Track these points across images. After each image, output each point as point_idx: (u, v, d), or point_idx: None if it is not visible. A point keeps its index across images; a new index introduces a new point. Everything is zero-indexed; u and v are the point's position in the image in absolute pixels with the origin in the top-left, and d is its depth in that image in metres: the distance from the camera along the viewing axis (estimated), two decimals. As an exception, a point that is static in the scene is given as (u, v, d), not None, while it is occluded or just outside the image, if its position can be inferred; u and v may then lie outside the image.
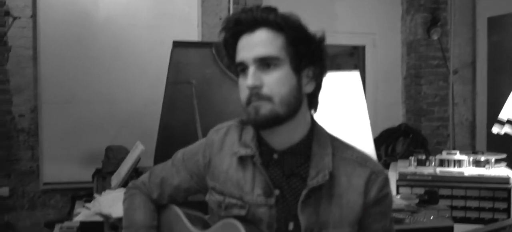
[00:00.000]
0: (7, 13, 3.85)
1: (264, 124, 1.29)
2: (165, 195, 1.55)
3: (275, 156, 1.35)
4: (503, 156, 3.23)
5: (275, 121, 1.28)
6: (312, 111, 1.39)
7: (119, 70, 4.20)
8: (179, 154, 1.54)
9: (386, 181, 1.35)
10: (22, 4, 3.92)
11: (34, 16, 3.97)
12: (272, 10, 1.30)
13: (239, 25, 1.31)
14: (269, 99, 1.27)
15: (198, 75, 2.78)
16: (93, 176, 3.33)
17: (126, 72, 4.21)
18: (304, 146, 1.34)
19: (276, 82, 1.27)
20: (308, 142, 1.34)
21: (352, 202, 1.31)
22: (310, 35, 1.31)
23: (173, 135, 2.87)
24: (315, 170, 1.31)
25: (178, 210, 1.53)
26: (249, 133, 1.39)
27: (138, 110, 4.12)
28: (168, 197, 1.55)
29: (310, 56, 1.31)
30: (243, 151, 1.37)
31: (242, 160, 1.38)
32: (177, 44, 2.95)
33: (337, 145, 1.37)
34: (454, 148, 4.70)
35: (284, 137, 1.33)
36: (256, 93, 1.27)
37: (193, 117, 2.82)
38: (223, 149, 1.43)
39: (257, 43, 1.28)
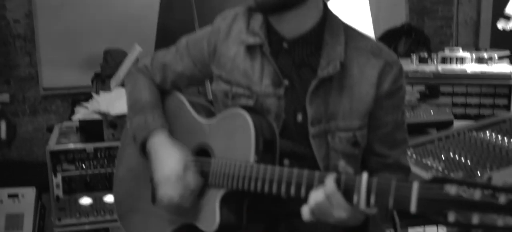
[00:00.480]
0: None
1: (272, 7, 1.24)
2: (168, 81, 1.51)
3: (285, 45, 1.31)
4: (507, 52, 3.19)
5: (284, 3, 1.24)
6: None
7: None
8: (183, 40, 1.50)
9: (400, 73, 1.30)
10: None
11: None
12: None
13: None
14: None
15: None
16: (92, 81, 3.32)
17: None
18: (315, 35, 1.29)
19: None
20: (320, 30, 1.29)
21: (363, 93, 1.27)
22: None
23: (170, 36, 2.79)
24: (326, 60, 1.27)
25: (181, 97, 1.51)
26: (257, 20, 1.34)
27: (135, 13, 4.02)
28: (170, 83, 1.52)
29: None
30: (251, 40, 1.33)
31: (250, 48, 1.34)
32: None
33: (351, 34, 1.32)
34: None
35: (294, 25, 1.29)
36: None
37: (191, 17, 2.75)
38: (230, 36, 1.39)
39: None
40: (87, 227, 2.31)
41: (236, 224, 1.29)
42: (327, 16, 1.31)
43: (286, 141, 1.31)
